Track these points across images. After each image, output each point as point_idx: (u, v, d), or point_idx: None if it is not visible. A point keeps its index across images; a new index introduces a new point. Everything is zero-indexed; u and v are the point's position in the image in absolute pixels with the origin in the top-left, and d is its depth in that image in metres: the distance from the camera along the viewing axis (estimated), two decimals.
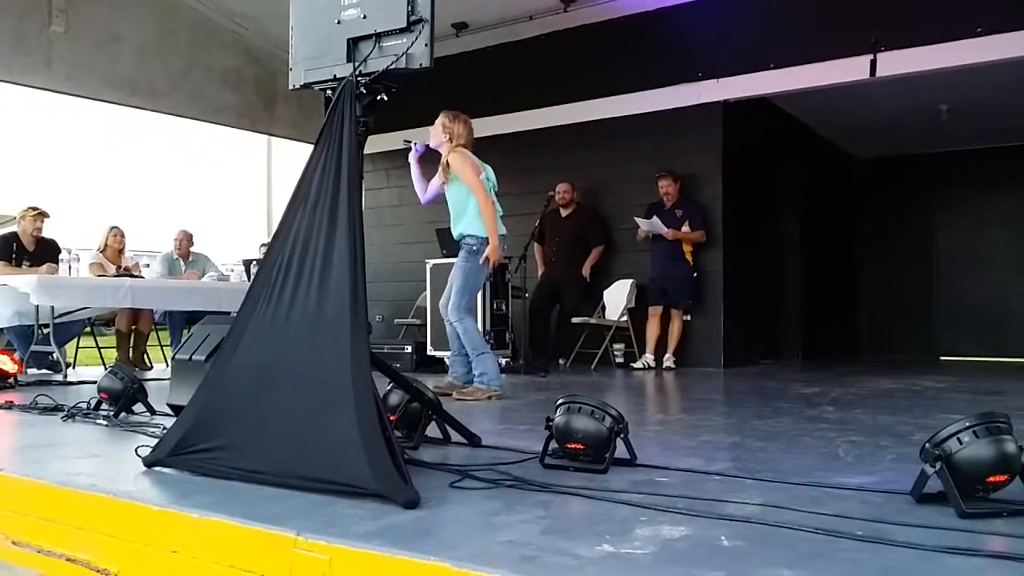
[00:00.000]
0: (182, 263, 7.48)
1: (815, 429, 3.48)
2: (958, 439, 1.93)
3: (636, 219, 7.17)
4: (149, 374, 6.60)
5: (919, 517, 1.88)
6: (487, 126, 7.95)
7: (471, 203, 4.76)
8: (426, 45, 2.39)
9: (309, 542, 1.75)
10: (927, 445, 1.97)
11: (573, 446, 2.47)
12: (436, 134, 4.85)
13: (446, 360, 6.93)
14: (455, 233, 4.90)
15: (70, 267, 6.74)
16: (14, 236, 6.55)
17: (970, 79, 6.80)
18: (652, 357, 7.16)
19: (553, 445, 2.54)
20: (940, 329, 10.21)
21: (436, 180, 4.96)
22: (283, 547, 1.78)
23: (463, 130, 4.84)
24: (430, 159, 4.97)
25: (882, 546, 1.67)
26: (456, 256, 6.58)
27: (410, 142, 4.99)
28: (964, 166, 10.01)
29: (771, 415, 4.00)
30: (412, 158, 4.96)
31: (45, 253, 6.56)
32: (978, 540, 1.72)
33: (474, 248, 4.76)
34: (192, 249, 7.61)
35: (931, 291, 10.39)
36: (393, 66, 2.41)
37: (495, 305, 6.71)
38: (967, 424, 1.94)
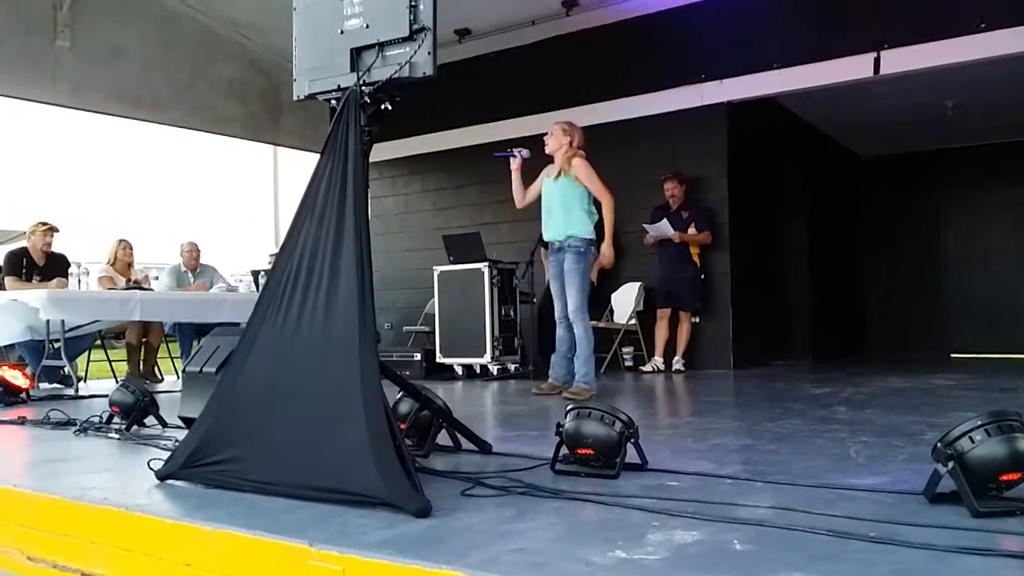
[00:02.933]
0: (190, 275, 7.51)
1: (826, 430, 3.47)
2: (970, 438, 1.92)
3: (645, 226, 7.17)
4: (160, 386, 6.62)
5: (932, 517, 1.87)
6: (490, 132, 8.00)
7: (578, 205, 5.05)
8: (429, 53, 2.40)
9: (322, 553, 1.76)
10: (939, 444, 1.96)
11: (584, 452, 2.47)
12: (556, 140, 5.15)
13: (456, 367, 6.97)
14: (556, 233, 5.11)
15: (80, 281, 6.77)
16: (24, 251, 6.59)
17: (975, 75, 6.78)
18: (661, 360, 7.15)
19: (564, 451, 2.54)
20: (949, 327, 10.15)
21: (538, 185, 5.26)
22: (297, 558, 1.79)
23: (581, 136, 5.19)
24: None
25: (895, 547, 1.67)
26: (468, 261, 6.69)
27: (508, 151, 5.26)
28: (971, 162, 9.97)
29: (782, 416, 3.98)
30: (516, 166, 5.24)
31: (55, 268, 6.59)
32: (992, 540, 1.71)
33: (581, 250, 5.03)
34: (200, 260, 7.63)
35: (940, 288, 10.34)
36: (397, 75, 2.42)
37: (503, 311, 6.72)
38: (979, 423, 1.93)
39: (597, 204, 5.14)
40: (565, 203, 5.06)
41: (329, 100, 2.62)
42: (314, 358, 2.34)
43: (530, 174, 5.32)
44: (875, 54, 6.40)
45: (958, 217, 10.34)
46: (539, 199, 5.25)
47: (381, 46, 2.47)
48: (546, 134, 5.22)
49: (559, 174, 5.10)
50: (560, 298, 5.16)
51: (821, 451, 2.94)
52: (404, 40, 2.42)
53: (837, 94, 7.21)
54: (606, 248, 5.06)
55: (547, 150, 5.20)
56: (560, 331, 5.25)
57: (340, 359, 2.28)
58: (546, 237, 5.20)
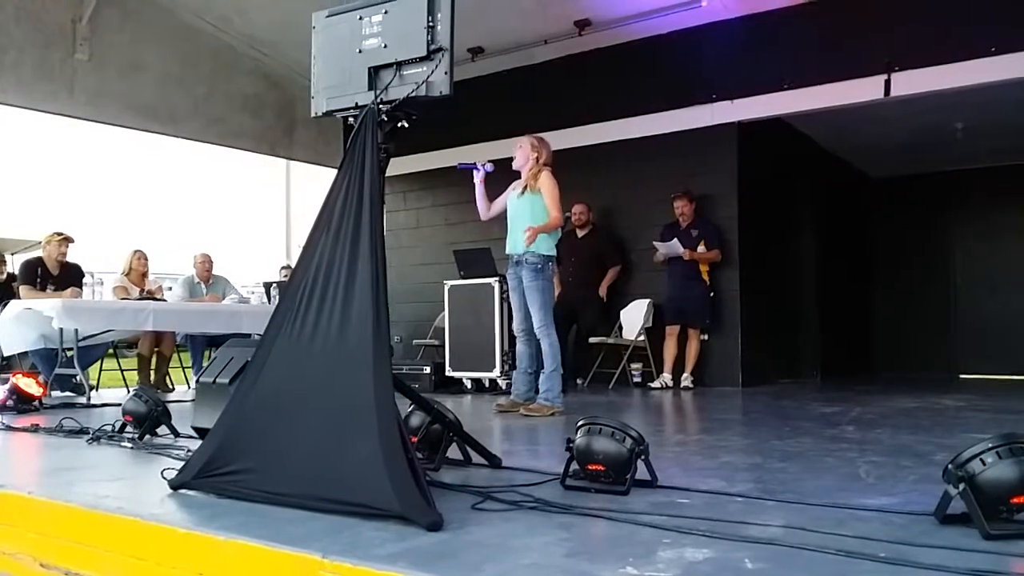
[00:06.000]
0: (203, 286, 7.56)
1: (836, 449, 3.47)
2: (981, 460, 1.92)
3: (655, 244, 7.20)
4: (171, 396, 6.65)
5: (943, 539, 1.88)
6: (502, 148, 8.03)
7: (541, 220, 5.03)
8: (446, 73, 2.44)
9: (335, 564, 1.77)
10: (950, 466, 1.97)
11: (594, 467, 2.48)
12: (523, 155, 5.17)
13: (465, 381, 6.99)
14: (516, 247, 5.12)
15: (93, 291, 6.83)
16: (39, 261, 6.65)
17: (986, 98, 6.80)
18: (670, 376, 7.16)
19: (574, 466, 2.55)
20: (958, 347, 10.12)
21: (505, 197, 5.27)
22: (309, 569, 1.80)
23: (548, 152, 5.20)
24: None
25: (906, 568, 1.67)
26: (479, 276, 6.70)
27: (471, 164, 5.27)
28: (980, 184, 9.97)
29: (791, 435, 3.98)
30: (478, 178, 5.24)
31: (69, 277, 6.65)
32: (1003, 562, 1.71)
33: (538, 266, 5.03)
34: (212, 272, 7.69)
35: (948, 309, 10.31)
36: (414, 94, 2.46)
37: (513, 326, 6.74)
38: (990, 445, 1.93)
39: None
40: (528, 218, 5.06)
41: (347, 117, 2.66)
42: (329, 371, 2.36)
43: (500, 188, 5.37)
44: (886, 76, 6.43)
45: (968, 238, 10.32)
46: (504, 214, 5.28)
47: (399, 65, 2.50)
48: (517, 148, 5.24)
49: (524, 189, 5.11)
50: (519, 311, 5.17)
51: (831, 470, 2.94)
52: (421, 60, 2.46)
53: (847, 115, 7.23)
54: (532, 231, 4.91)
55: (514, 165, 5.21)
56: (519, 346, 5.25)
57: (354, 372, 2.30)
58: (507, 250, 5.21)
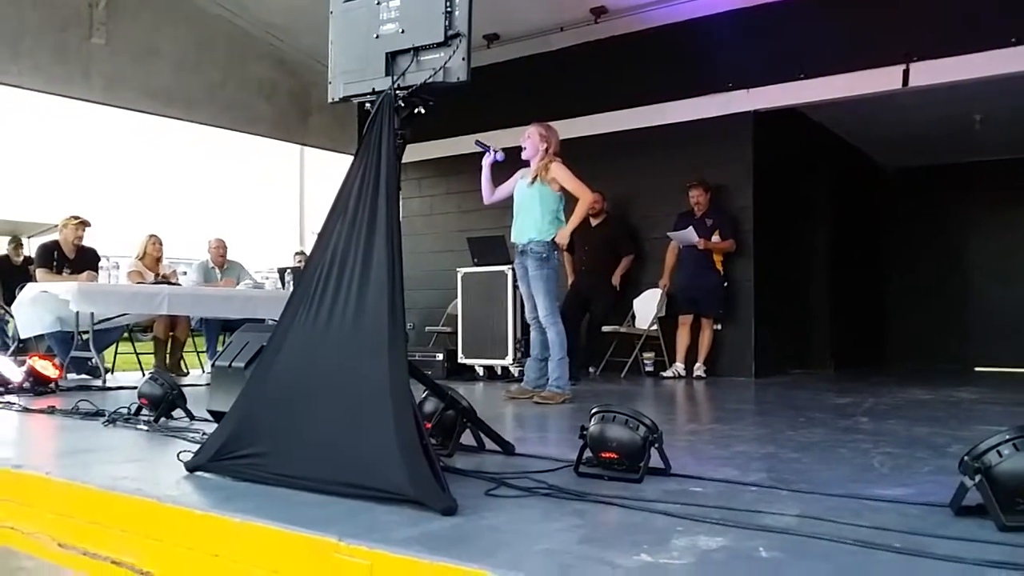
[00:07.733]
0: (217, 271, 7.59)
1: (849, 440, 3.46)
2: (998, 452, 1.92)
3: (670, 234, 7.18)
4: (185, 380, 6.69)
5: (958, 530, 1.87)
6: (517, 136, 8.02)
7: (548, 211, 5.04)
8: (463, 59, 2.42)
9: (351, 547, 1.78)
10: (966, 458, 1.96)
11: (607, 455, 2.49)
12: (532, 144, 5.15)
13: (477, 368, 7.00)
14: (521, 236, 5.13)
15: (109, 275, 6.88)
16: (55, 244, 6.71)
17: (1004, 89, 6.71)
18: (682, 366, 7.15)
19: (587, 454, 2.55)
20: (972, 339, 10.04)
21: (510, 184, 5.27)
22: (325, 552, 1.81)
23: (557, 140, 5.19)
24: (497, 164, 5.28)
25: (921, 559, 1.67)
26: (492, 263, 6.70)
27: (487, 146, 5.26)
28: (996, 176, 9.88)
29: (804, 425, 3.98)
30: (487, 162, 5.22)
31: (85, 261, 6.70)
32: (1019, 554, 1.70)
33: (543, 255, 5.02)
34: (227, 257, 7.72)
35: (963, 301, 10.25)
36: (431, 80, 2.45)
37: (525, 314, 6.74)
38: (1007, 437, 1.93)
39: (567, 212, 5.13)
40: (535, 208, 5.05)
41: (363, 103, 2.66)
42: (344, 356, 2.37)
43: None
44: (904, 66, 6.36)
45: (983, 230, 10.24)
46: (509, 200, 5.28)
47: (416, 51, 2.49)
48: (526, 138, 5.20)
49: (534, 179, 5.09)
50: (530, 300, 5.17)
51: (845, 461, 2.94)
52: (439, 45, 2.44)
53: (864, 105, 7.17)
54: (565, 229, 5.02)
55: (524, 155, 5.19)
56: (532, 334, 5.28)
57: (370, 358, 2.30)
58: (512, 239, 5.22)
